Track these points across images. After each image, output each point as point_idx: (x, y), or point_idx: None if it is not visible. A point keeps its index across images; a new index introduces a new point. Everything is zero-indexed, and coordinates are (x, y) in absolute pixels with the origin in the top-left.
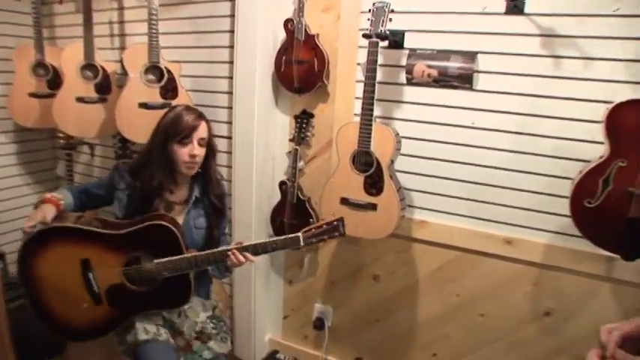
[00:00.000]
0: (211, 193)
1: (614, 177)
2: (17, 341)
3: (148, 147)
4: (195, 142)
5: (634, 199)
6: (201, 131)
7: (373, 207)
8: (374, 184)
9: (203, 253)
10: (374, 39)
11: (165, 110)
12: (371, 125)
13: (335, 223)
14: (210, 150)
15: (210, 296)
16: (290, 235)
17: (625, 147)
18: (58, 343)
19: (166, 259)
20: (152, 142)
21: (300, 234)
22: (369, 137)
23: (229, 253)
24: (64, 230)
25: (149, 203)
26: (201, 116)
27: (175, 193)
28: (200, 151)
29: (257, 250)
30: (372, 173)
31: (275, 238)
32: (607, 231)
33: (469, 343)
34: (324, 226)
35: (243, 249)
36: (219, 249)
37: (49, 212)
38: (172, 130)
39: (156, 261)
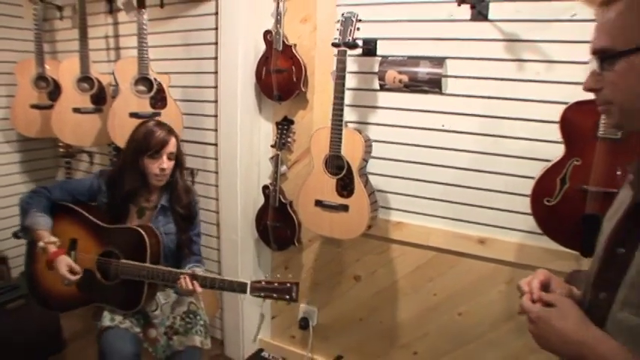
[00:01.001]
0: (178, 202)
1: (570, 175)
2: (17, 339)
3: (121, 160)
4: (164, 157)
5: (588, 196)
6: (171, 146)
7: (345, 208)
8: (345, 186)
9: (161, 268)
10: (342, 48)
11: (137, 124)
12: (341, 130)
13: (288, 285)
14: (178, 162)
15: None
16: (239, 280)
17: (579, 146)
18: (57, 342)
19: (129, 262)
20: (125, 155)
21: (248, 283)
22: (340, 142)
23: (181, 276)
24: (68, 208)
25: (125, 208)
26: (170, 132)
27: (148, 199)
28: (169, 165)
29: (205, 282)
30: (344, 176)
31: (224, 278)
32: (566, 228)
33: (448, 341)
34: (276, 284)
35: (192, 277)
36: (175, 270)
37: (66, 263)
38: (144, 146)
39: (122, 261)
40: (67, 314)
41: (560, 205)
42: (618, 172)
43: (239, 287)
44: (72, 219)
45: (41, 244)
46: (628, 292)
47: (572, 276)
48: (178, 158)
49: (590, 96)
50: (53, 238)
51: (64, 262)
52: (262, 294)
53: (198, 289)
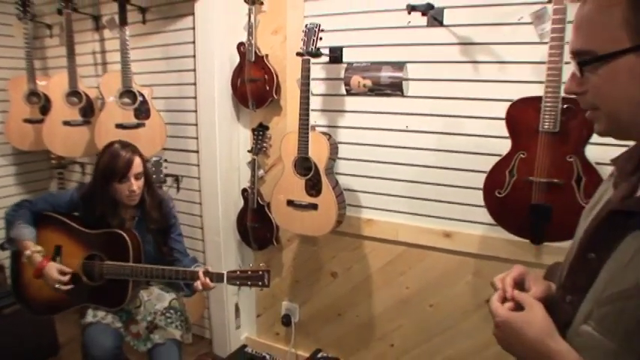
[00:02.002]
0: (149, 220)
1: (517, 168)
2: (13, 343)
3: (90, 185)
4: (132, 179)
5: (534, 187)
6: (136, 167)
7: (314, 207)
8: (313, 186)
9: (143, 265)
10: (306, 57)
11: (102, 149)
12: (308, 133)
13: (261, 273)
14: (147, 179)
15: (177, 290)
16: (217, 272)
17: (524, 140)
18: (52, 346)
19: (114, 262)
20: (94, 182)
21: (225, 273)
22: (307, 144)
23: (199, 276)
24: (52, 218)
25: (104, 221)
26: (134, 152)
27: (125, 213)
28: (138, 185)
29: (185, 275)
30: (312, 176)
31: (204, 269)
32: (516, 218)
33: (422, 332)
34: (249, 273)
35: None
36: (157, 266)
37: (56, 268)
38: (109, 172)
39: (106, 262)
40: (62, 319)
41: (510, 197)
42: (569, 159)
43: (217, 278)
44: (56, 227)
45: (27, 252)
46: (593, 308)
47: (551, 269)
48: (146, 176)
49: (532, 92)
50: (38, 247)
51: (54, 268)
52: (238, 282)
53: (212, 284)
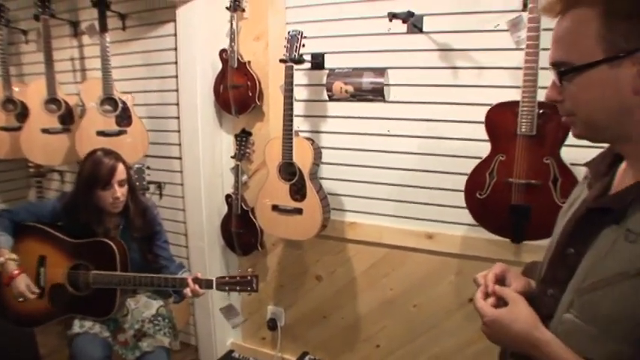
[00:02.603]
0: (133, 228)
1: (497, 170)
2: None
3: (73, 194)
4: (115, 186)
5: (513, 188)
6: (120, 174)
7: (299, 211)
8: (298, 190)
9: (132, 274)
10: (289, 63)
11: (84, 157)
12: (291, 139)
13: (249, 278)
14: (130, 186)
15: (164, 297)
16: (206, 278)
17: (502, 143)
18: (33, 357)
19: (101, 272)
20: (77, 190)
21: (214, 279)
22: (291, 150)
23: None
24: (35, 228)
25: (89, 230)
26: (117, 159)
27: (110, 221)
28: (122, 192)
29: (174, 283)
30: (296, 181)
31: (193, 276)
32: (497, 218)
33: (406, 333)
34: (238, 278)
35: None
36: (146, 275)
37: (24, 282)
38: (93, 180)
39: (93, 272)
40: (43, 331)
41: (490, 198)
42: (546, 161)
43: (206, 284)
44: (39, 237)
45: (1, 259)
46: (574, 298)
47: (529, 267)
48: (129, 183)
49: (510, 97)
50: (13, 255)
51: (23, 282)
52: (227, 288)
53: (201, 291)
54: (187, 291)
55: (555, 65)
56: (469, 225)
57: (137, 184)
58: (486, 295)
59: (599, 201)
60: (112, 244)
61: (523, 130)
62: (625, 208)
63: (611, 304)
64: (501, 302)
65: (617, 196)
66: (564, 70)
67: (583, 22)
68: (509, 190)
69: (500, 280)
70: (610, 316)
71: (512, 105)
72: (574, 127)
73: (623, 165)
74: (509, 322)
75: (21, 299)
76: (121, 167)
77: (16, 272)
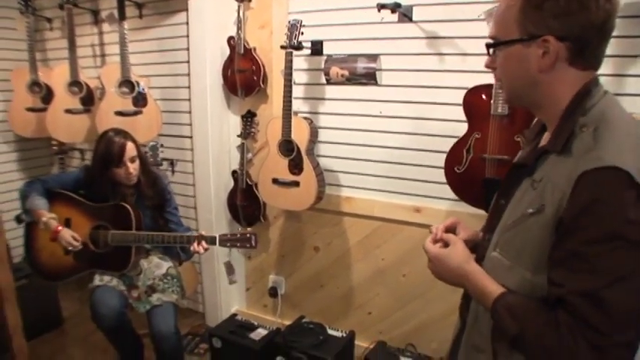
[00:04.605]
0: (145, 197)
1: (473, 146)
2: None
3: (90, 170)
4: (127, 163)
5: (487, 163)
6: (130, 151)
7: (297, 184)
8: (296, 165)
9: (145, 232)
10: (289, 49)
11: (98, 138)
12: (290, 119)
13: (248, 235)
14: (141, 160)
15: (174, 258)
16: (210, 235)
17: (478, 122)
18: (56, 318)
19: (118, 231)
20: (93, 167)
21: (217, 236)
22: (290, 128)
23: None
24: (61, 194)
25: (105, 200)
26: (127, 137)
27: (126, 190)
28: (134, 167)
29: (183, 240)
30: (294, 157)
31: (198, 234)
32: (473, 191)
33: (396, 300)
34: (239, 235)
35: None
36: (157, 233)
37: (70, 233)
38: (106, 159)
39: (112, 231)
40: (65, 296)
41: (467, 172)
42: (517, 139)
43: (210, 240)
44: (65, 202)
45: (44, 219)
46: (497, 236)
47: None
48: (140, 157)
49: (489, 81)
50: (52, 214)
51: (68, 233)
52: (229, 244)
53: (205, 246)
54: (194, 246)
55: (491, 38)
56: (453, 200)
57: (151, 160)
58: (436, 242)
59: (519, 157)
60: (128, 207)
61: (497, 110)
62: (535, 164)
63: (519, 239)
64: (447, 247)
65: (530, 153)
66: (491, 44)
67: (510, 7)
68: (483, 165)
69: (451, 231)
70: (518, 249)
71: (487, 87)
72: (503, 92)
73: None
74: (446, 258)
75: (70, 248)
76: (130, 145)
77: (60, 228)
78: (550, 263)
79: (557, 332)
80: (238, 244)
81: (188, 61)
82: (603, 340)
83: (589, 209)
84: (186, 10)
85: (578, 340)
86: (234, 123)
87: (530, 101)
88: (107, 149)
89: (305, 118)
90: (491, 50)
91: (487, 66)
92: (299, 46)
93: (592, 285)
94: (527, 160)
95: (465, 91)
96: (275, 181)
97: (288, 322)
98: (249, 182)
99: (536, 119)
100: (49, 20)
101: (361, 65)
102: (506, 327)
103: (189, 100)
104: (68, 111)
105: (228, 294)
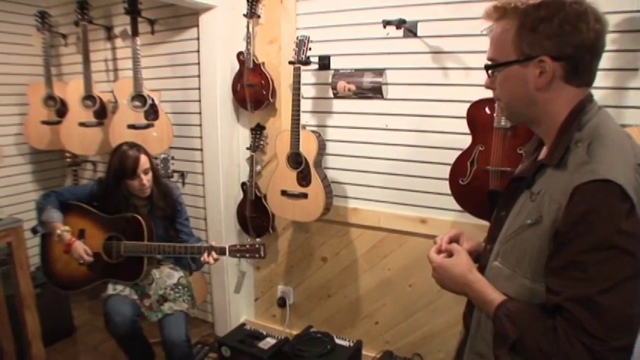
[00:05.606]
0: (157, 209)
1: (477, 159)
2: None
3: (104, 183)
4: (141, 175)
5: (491, 175)
6: (143, 164)
7: (305, 196)
8: (304, 177)
9: (157, 243)
10: (297, 65)
11: (112, 151)
12: (299, 132)
13: (257, 246)
14: (154, 172)
15: (185, 268)
16: (220, 245)
17: (482, 135)
18: (68, 327)
19: (131, 242)
20: (107, 180)
21: (227, 246)
22: (298, 141)
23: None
24: (76, 206)
25: (119, 212)
26: (139, 150)
27: (138, 203)
28: (147, 179)
29: (193, 250)
30: (303, 169)
31: (209, 244)
32: (477, 202)
33: (402, 310)
34: (248, 246)
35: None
36: (169, 244)
37: (82, 247)
38: (120, 171)
39: (124, 242)
40: (77, 305)
41: (471, 184)
42: (520, 151)
43: (220, 251)
44: (79, 213)
45: (58, 231)
46: (498, 246)
47: None
48: (153, 170)
49: (490, 95)
50: (66, 227)
51: (81, 247)
52: (238, 254)
53: (215, 257)
54: (204, 257)
55: (489, 60)
56: (458, 211)
57: (162, 172)
58: (440, 252)
59: (518, 171)
60: (140, 218)
61: (500, 123)
62: (534, 177)
63: (518, 248)
64: (451, 257)
65: (529, 167)
66: (490, 65)
67: (506, 30)
68: (487, 177)
69: (455, 241)
70: (518, 258)
71: (490, 101)
72: (501, 111)
73: None
74: (450, 267)
75: (81, 261)
76: (143, 158)
77: (73, 240)
78: (547, 272)
79: (555, 337)
80: (247, 255)
81: (199, 76)
82: (599, 345)
83: (584, 220)
84: (197, 26)
85: (575, 345)
86: (244, 136)
87: (529, 118)
88: (121, 162)
89: (313, 131)
90: (490, 71)
91: (487, 87)
92: (307, 61)
93: (587, 291)
94: (526, 173)
95: (469, 104)
96: (284, 192)
97: (296, 332)
98: (258, 194)
99: (534, 135)
100: (64, 36)
101: (367, 79)
102: (507, 332)
103: (199, 113)
104: (82, 124)
105: (238, 304)
